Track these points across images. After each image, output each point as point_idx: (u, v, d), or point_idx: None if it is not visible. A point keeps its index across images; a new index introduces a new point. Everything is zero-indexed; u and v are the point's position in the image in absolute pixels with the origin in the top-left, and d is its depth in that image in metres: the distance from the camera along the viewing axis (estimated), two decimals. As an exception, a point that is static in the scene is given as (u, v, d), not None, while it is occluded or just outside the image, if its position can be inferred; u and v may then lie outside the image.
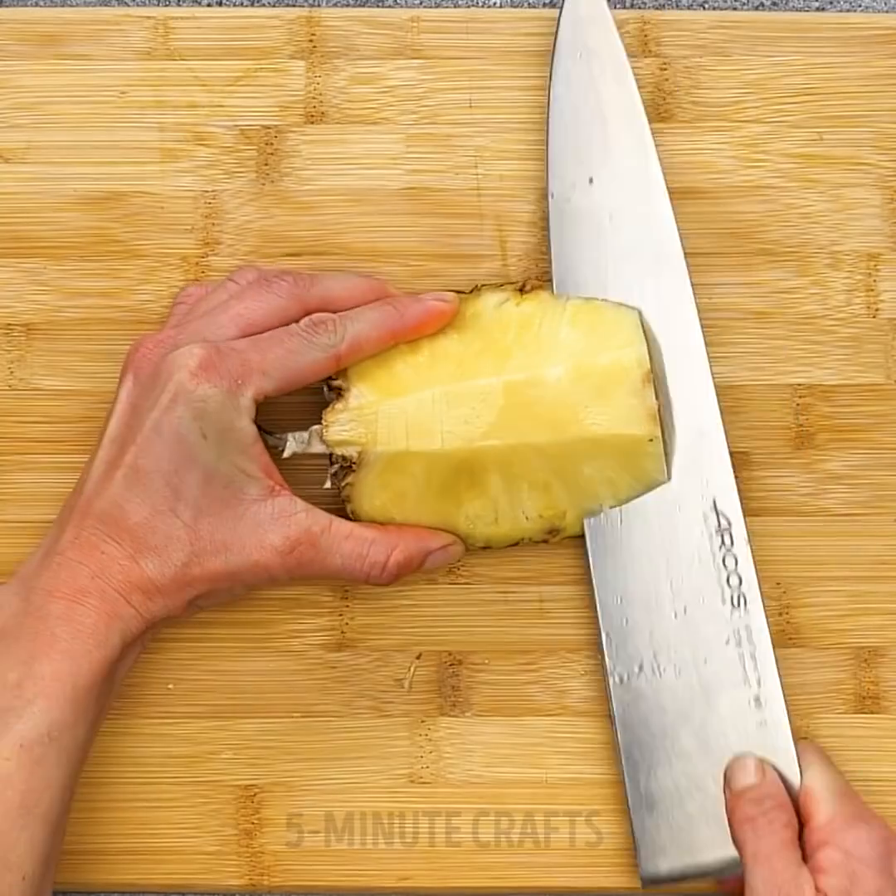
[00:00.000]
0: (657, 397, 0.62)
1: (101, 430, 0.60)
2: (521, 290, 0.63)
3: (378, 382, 0.62)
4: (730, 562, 0.62)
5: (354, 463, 0.61)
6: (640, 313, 0.63)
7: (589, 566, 0.64)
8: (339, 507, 0.62)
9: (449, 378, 0.62)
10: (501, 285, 0.64)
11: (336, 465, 0.62)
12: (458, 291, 0.63)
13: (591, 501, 0.63)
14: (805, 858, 0.59)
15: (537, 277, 0.65)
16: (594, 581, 0.63)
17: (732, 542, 0.63)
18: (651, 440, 0.62)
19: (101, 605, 0.57)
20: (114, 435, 0.59)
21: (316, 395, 0.63)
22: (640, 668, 0.63)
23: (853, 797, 0.61)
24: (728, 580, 0.62)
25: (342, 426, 0.61)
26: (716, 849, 0.61)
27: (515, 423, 0.61)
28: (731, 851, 0.61)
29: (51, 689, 0.56)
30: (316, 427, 0.62)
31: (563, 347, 0.62)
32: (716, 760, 0.62)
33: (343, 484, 0.62)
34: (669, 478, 0.63)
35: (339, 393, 0.62)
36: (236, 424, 0.58)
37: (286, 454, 0.62)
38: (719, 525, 0.63)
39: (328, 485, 0.62)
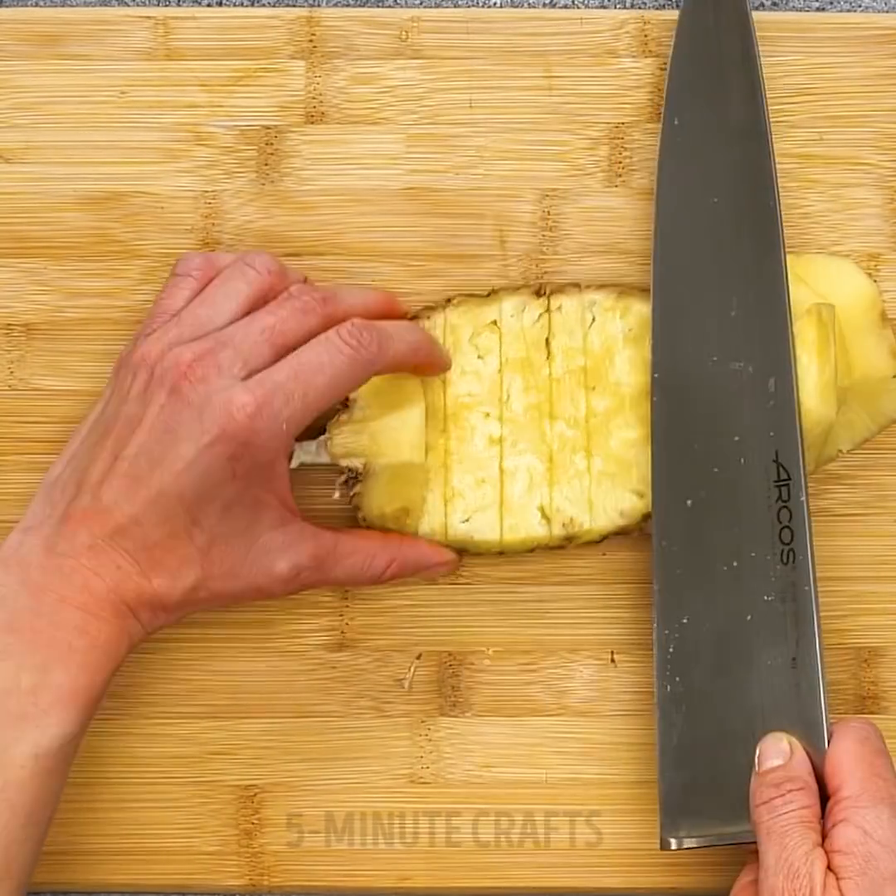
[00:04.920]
0: None
1: (110, 418, 0.59)
2: (538, 294, 0.64)
3: (385, 395, 0.62)
4: (784, 516, 0.61)
5: (360, 473, 0.61)
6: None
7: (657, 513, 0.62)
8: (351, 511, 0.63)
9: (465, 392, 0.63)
10: (518, 289, 0.64)
11: (344, 476, 0.62)
12: (470, 294, 0.64)
13: (830, 448, 0.63)
14: (824, 834, 0.57)
15: (538, 277, 0.65)
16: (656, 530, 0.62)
17: (789, 496, 0.61)
18: (894, 376, 0.63)
19: (115, 619, 0.58)
20: (140, 448, 0.58)
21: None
22: (687, 620, 0.61)
23: (887, 780, 0.58)
24: (780, 535, 0.61)
25: (345, 438, 0.62)
26: (740, 817, 0.59)
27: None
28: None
29: (66, 700, 0.56)
30: (323, 437, 0.62)
31: None
32: (748, 720, 0.60)
33: (352, 493, 0.62)
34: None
35: (344, 403, 0.62)
36: (272, 463, 0.58)
37: (293, 464, 0.62)
38: (779, 477, 0.62)
39: (337, 495, 0.62)
